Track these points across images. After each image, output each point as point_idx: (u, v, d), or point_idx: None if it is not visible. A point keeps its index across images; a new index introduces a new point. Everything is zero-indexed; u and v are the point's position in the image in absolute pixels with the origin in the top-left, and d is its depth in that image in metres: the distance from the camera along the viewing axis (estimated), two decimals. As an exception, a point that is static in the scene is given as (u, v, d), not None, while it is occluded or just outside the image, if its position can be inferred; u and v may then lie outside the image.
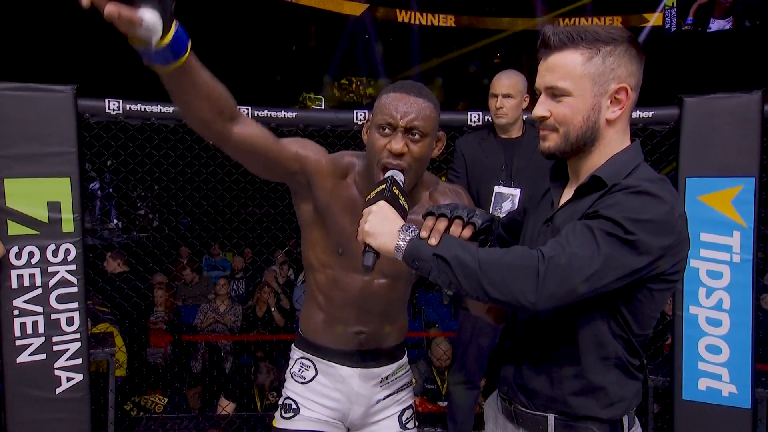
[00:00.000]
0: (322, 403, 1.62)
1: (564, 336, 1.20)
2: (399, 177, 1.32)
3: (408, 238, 1.13)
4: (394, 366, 1.67)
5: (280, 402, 1.68)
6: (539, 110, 1.22)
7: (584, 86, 1.16)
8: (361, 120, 3.03)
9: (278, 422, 1.64)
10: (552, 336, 1.22)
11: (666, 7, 13.29)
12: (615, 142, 1.21)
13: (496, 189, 2.68)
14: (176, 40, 1.02)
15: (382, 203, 1.19)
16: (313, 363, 1.64)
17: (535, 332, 1.25)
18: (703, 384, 2.82)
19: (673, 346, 2.89)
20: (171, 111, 2.88)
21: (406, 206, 1.24)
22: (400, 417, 1.67)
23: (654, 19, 13.60)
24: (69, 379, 2.77)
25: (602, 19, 14.51)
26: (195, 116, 1.23)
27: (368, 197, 1.24)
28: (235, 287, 6.94)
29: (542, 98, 1.22)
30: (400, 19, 15.23)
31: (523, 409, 1.26)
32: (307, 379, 1.64)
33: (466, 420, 2.94)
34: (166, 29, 0.98)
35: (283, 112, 3.01)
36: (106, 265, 5.34)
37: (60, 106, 2.70)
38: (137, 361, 4.73)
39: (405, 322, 1.74)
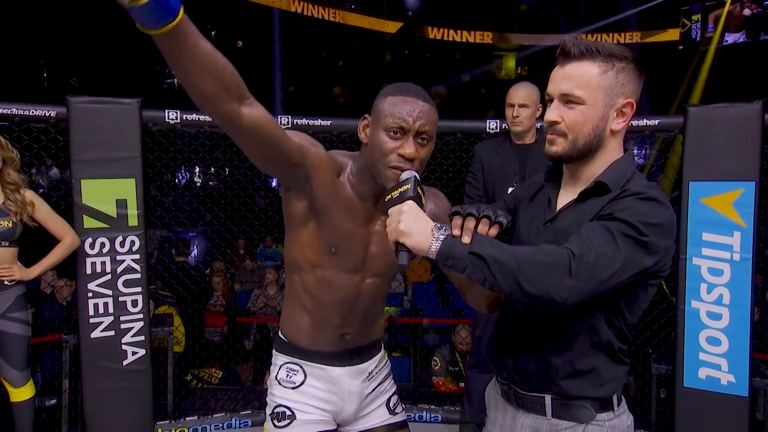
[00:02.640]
0: (315, 405, 1.49)
1: (560, 325, 1.19)
2: (417, 177, 1.23)
3: (442, 237, 1.08)
4: (376, 359, 1.58)
5: (268, 411, 1.50)
6: (552, 115, 1.18)
7: (597, 97, 1.15)
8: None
9: None
10: (548, 325, 1.21)
11: (692, 21, 12.90)
12: (614, 150, 1.21)
13: (510, 190, 2.66)
14: (157, 3, 0.87)
15: (411, 203, 1.13)
16: (300, 367, 1.49)
17: (532, 322, 1.24)
18: (703, 373, 2.75)
19: (675, 337, 2.82)
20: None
21: (425, 206, 1.19)
22: (387, 404, 1.59)
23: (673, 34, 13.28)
24: (134, 353, 2.89)
25: (623, 35, 14.17)
26: (198, 90, 1.04)
27: (389, 196, 1.17)
28: (284, 275, 7.04)
29: (555, 104, 1.19)
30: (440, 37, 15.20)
31: (522, 392, 1.25)
32: (297, 384, 1.49)
33: (481, 401, 2.93)
34: None
35: (319, 120, 3.05)
36: (176, 254, 5.53)
37: (127, 116, 2.81)
38: (197, 339, 4.86)
39: (384, 317, 1.65)
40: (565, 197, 1.26)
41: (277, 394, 1.50)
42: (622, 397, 1.26)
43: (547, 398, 1.22)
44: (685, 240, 2.77)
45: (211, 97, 1.06)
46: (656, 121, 2.90)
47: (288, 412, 1.47)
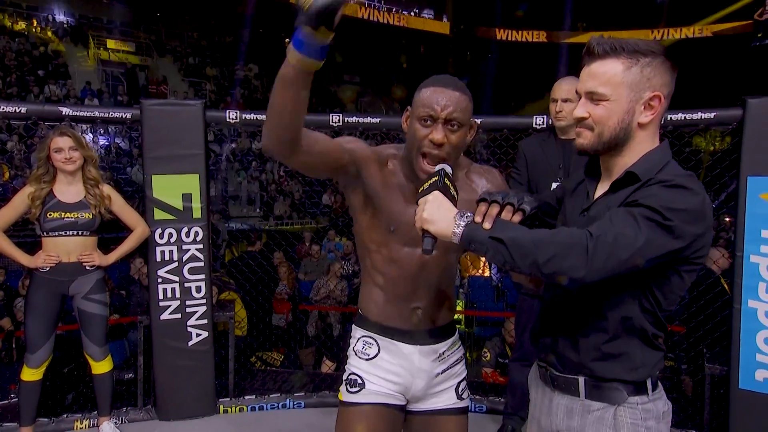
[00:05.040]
0: (386, 377, 1.53)
1: (596, 311, 1.20)
2: (448, 169, 1.26)
3: (464, 223, 1.12)
4: (448, 342, 1.58)
5: (344, 377, 1.58)
6: (579, 111, 1.21)
7: (621, 92, 1.15)
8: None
9: (345, 396, 1.55)
10: (585, 310, 1.22)
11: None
12: (646, 142, 1.20)
13: (554, 185, 2.54)
14: (325, 48, 1.06)
15: (436, 193, 1.18)
16: (375, 341, 1.54)
17: (570, 307, 1.25)
18: (760, 375, 2.52)
19: (731, 337, 2.60)
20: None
21: (456, 195, 1.22)
22: (456, 389, 1.59)
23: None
24: (198, 335, 3.01)
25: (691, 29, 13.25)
26: (267, 136, 1.21)
27: (421, 188, 1.21)
28: (345, 266, 7.13)
29: (582, 101, 1.21)
30: (498, 37, 14.82)
31: (557, 374, 1.27)
32: (370, 356, 1.54)
33: (523, 394, 2.83)
34: (329, 28, 1.02)
35: (368, 117, 3.04)
36: (249, 246, 5.71)
37: (192, 117, 2.92)
38: (263, 324, 4.99)
39: (454, 300, 1.66)
40: (600, 189, 1.28)
41: (353, 364, 1.57)
42: (659, 382, 1.24)
43: (581, 380, 1.23)
44: (742, 237, 2.54)
45: (270, 151, 1.24)
46: (712, 114, 2.68)
47: (359, 381, 1.53)
